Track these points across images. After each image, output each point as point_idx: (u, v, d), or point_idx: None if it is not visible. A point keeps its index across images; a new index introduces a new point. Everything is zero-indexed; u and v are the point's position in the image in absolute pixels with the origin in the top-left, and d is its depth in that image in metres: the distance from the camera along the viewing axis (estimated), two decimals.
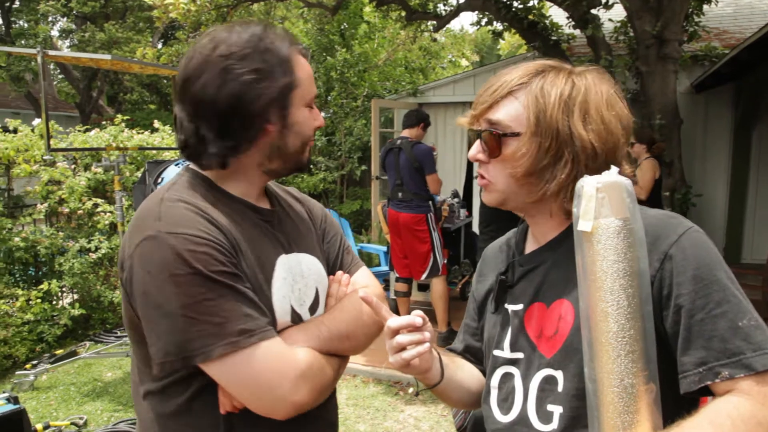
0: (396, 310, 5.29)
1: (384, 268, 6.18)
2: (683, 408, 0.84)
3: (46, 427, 3.43)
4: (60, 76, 20.96)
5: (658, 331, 0.87)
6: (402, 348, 0.97)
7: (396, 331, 0.98)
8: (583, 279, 0.87)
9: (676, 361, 0.86)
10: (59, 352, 4.68)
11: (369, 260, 7.17)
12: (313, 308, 1.20)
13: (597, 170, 0.90)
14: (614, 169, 0.88)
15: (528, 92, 0.97)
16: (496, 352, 1.08)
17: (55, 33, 18.84)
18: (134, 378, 1.16)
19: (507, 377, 1.05)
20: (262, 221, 1.16)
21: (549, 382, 0.98)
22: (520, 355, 1.03)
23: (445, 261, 4.88)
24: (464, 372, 1.19)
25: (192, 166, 1.15)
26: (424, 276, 4.78)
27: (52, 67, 19.04)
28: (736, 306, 0.84)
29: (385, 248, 6.21)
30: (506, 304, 1.09)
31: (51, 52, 4.29)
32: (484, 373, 1.18)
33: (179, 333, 0.96)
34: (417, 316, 0.98)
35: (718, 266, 0.87)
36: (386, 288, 6.15)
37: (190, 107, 1.07)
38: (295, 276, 1.16)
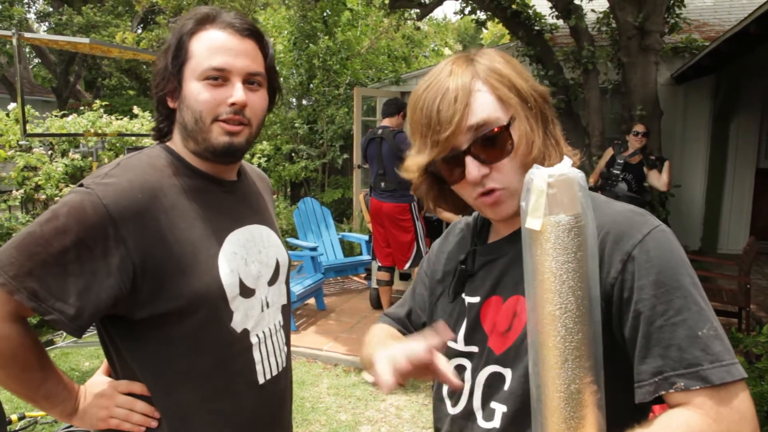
0: (378, 299, 5.30)
1: (366, 257, 6.17)
2: (637, 417, 0.82)
3: (21, 417, 3.37)
4: (36, 60, 20.53)
5: (615, 336, 0.85)
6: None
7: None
8: (530, 279, 0.82)
9: (632, 368, 0.83)
10: None
11: (351, 249, 7.16)
12: (272, 281, 1.23)
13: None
14: (567, 160, 0.82)
15: (485, 79, 0.91)
16: (450, 344, 1.04)
17: (31, 16, 18.41)
18: None
19: (459, 369, 1.02)
20: (223, 193, 1.18)
21: (496, 379, 0.95)
22: (474, 348, 1.00)
23: (428, 250, 4.89)
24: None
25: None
26: (407, 265, 4.79)
27: (27, 50, 18.63)
28: (697, 314, 0.80)
29: (366, 237, 6.20)
30: (463, 294, 1.05)
31: (27, 35, 4.19)
32: (403, 334, 1.16)
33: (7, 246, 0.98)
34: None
35: (682, 270, 0.83)
36: (368, 277, 6.15)
37: None
38: (250, 250, 1.18)
